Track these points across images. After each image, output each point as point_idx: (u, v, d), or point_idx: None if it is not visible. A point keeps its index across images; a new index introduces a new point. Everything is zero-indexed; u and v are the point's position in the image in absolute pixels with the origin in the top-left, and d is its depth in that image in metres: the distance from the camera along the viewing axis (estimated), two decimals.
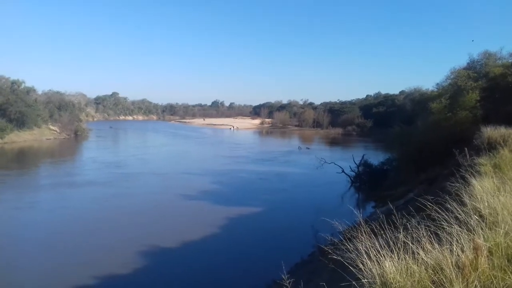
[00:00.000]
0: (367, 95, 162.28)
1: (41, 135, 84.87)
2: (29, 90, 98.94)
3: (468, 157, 12.26)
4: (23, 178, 41.29)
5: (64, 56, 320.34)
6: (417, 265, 3.63)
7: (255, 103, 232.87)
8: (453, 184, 6.58)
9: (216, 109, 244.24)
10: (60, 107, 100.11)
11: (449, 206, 4.82)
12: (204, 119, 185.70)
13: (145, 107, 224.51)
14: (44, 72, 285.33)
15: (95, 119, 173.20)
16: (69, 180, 39.03)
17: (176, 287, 17.10)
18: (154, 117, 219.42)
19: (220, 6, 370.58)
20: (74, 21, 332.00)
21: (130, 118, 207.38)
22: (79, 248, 20.51)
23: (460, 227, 4.15)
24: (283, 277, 4.40)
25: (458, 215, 4.55)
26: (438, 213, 4.54)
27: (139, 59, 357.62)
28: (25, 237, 22.49)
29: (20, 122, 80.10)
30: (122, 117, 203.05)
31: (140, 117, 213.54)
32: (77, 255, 19.68)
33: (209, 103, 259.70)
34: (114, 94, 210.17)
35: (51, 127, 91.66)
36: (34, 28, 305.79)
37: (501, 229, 4.12)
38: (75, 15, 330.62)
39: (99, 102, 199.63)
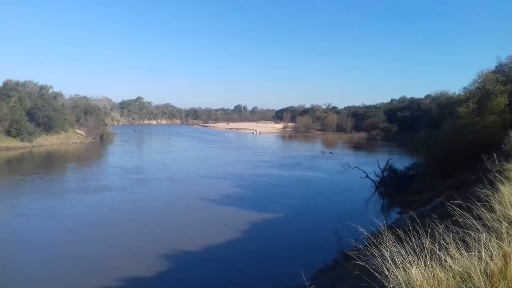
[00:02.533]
0: (391, 99, 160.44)
1: (68, 139, 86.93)
2: (57, 95, 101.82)
3: (496, 162, 11.98)
4: (43, 182, 41.74)
5: (91, 62, 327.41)
6: (445, 273, 3.57)
7: (278, 107, 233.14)
8: (481, 190, 6.44)
9: (239, 113, 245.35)
10: (86, 111, 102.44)
11: (477, 212, 4.71)
12: (227, 124, 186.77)
13: (168, 112, 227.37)
14: (71, 78, 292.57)
15: (120, 123, 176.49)
16: (88, 185, 39.42)
17: None
18: (178, 121, 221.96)
19: (243, 12, 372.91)
20: (100, 27, 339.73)
21: (154, 122, 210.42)
22: (86, 255, 20.75)
23: (489, 234, 4.06)
24: (306, 283, 4.37)
25: (486, 221, 4.45)
26: (466, 219, 4.45)
27: (163, 65, 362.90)
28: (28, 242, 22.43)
29: (48, 126, 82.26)
30: (146, 121, 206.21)
31: (164, 122, 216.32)
32: (85, 261, 20.08)
33: (231, 107, 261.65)
34: (138, 99, 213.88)
35: (78, 131, 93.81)
36: (61, 35, 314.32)
37: None
38: (100, 22, 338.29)
39: (124, 106, 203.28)
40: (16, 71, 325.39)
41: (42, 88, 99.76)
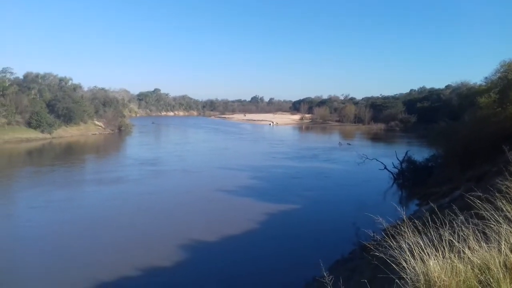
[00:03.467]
0: (411, 90, 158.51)
1: (87, 130, 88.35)
2: (76, 87, 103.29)
3: None
4: (60, 173, 42.29)
5: (109, 54, 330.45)
6: (463, 264, 3.54)
7: (295, 98, 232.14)
8: (502, 182, 6.33)
9: (256, 104, 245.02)
10: (104, 103, 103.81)
11: (498, 204, 4.65)
12: (245, 115, 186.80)
13: (185, 103, 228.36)
14: (89, 70, 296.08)
15: (137, 115, 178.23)
16: (104, 176, 39.69)
17: (215, 279, 17.33)
18: (195, 113, 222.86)
19: (260, 3, 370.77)
20: (119, 20, 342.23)
21: (171, 114, 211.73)
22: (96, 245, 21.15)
23: (509, 225, 4.01)
24: (324, 274, 4.38)
25: (507, 213, 4.39)
26: (486, 211, 4.40)
27: (180, 57, 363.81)
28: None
29: (68, 118, 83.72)
30: (163, 113, 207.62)
31: (181, 113, 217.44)
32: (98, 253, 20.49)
33: (248, 99, 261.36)
34: (156, 91, 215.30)
35: (97, 122, 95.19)
36: (81, 28, 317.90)
37: None
38: (119, 15, 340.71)
39: (141, 98, 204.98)
40: (36, 63, 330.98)
41: (61, 80, 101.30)
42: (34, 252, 19.96)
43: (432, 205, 7.28)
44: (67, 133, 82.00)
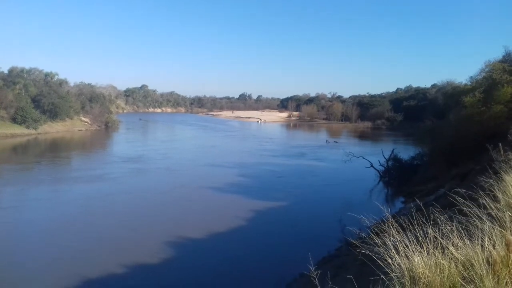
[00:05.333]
0: (397, 89, 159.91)
1: (73, 126, 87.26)
2: (62, 82, 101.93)
3: (502, 152, 11.94)
4: (38, 171, 41.13)
5: (96, 49, 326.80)
6: (447, 261, 3.59)
7: (283, 96, 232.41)
8: (486, 180, 6.44)
9: (244, 101, 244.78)
10: (91, 99, 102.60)
11: (481, 201, 4.73)
12: (233, 112, 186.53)
13: (173, 100, 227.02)
14: (76, 65, 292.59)
15: (125, 111, 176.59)
16: (82, 174, 38.39)
17: (201, 277, 17.30)
18: (182, 110, 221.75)
19: (248, 0, 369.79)
20: (105, 14, 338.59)
21: (158, 110, 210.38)
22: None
23: (492, 223, 4.08)
24: (311, 268, 4.41)
25: (490, 211, 4.47)
26: (470, 208, 4.47)
27: (168, 53, 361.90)
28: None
29: (53, 113, 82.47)
30: (151, 109, 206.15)
31: (169, 110, 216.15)
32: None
33: (236, 96, 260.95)
34: (143, 87, 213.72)
35: (83, 118, 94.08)
36: (66, 22, 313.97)
37: None
38: (105, 9, 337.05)
39: (128, 94, 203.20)
40: (22, 58, 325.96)
41: (47, 75, 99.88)
42: None
43: (418, 202, 7.38)
44: (52, 129, 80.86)
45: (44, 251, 19.48)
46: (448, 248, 3.73)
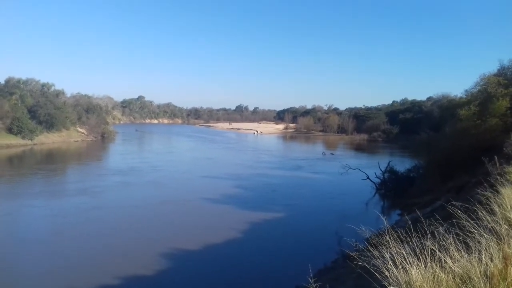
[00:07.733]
0: (393, 101, 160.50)
1: (69, 137, 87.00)
2: (58, 93, 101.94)
3: (497, 165, 11.98)
4: (20, 184, 39.66)
5: (93, 61, 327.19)
6: (445, 274, 3.58)
7: (279, 108, 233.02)
8: (482, 193, 6.45)
9: (240, 113, 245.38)
10: (88, 109, 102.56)
11: (478, 214, 4.73)
12: (230, 123, 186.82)
13: (170, 111, 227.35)
14: (73, 76, 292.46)
15: (121, 122, 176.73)
16: (66, 188, 37.49)
17: None
18: (179, 121, 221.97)
19: (245, 12, 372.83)
20: (103, 26, 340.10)
21: (155, 121, 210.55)
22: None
23: (489, 236, 4.08)
24: (310, 280, 4.38)
25: (487, 223, 4.47)
26: (467, 221, 4.47)
27: (165, 64, 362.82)
28: None
29: (49, 124, 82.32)
30: (147, 121, 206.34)
31: (165, 121, 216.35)
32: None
33: (233, 107, 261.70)
34: (140, 98, 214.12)
35: (79, 129, 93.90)
36: (64, 33, 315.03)
37: None
38: (103, 21, 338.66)
39: (125, 105, 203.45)
40: (18, 68, 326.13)
41: (44, 85, 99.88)
42: None
43: (418, 213, 7.37)
44: (48, 140, 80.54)
45: None
46: (445, 261, 3.72)
